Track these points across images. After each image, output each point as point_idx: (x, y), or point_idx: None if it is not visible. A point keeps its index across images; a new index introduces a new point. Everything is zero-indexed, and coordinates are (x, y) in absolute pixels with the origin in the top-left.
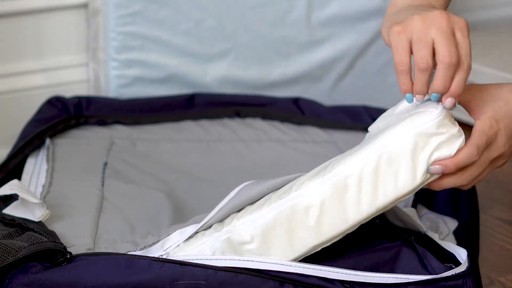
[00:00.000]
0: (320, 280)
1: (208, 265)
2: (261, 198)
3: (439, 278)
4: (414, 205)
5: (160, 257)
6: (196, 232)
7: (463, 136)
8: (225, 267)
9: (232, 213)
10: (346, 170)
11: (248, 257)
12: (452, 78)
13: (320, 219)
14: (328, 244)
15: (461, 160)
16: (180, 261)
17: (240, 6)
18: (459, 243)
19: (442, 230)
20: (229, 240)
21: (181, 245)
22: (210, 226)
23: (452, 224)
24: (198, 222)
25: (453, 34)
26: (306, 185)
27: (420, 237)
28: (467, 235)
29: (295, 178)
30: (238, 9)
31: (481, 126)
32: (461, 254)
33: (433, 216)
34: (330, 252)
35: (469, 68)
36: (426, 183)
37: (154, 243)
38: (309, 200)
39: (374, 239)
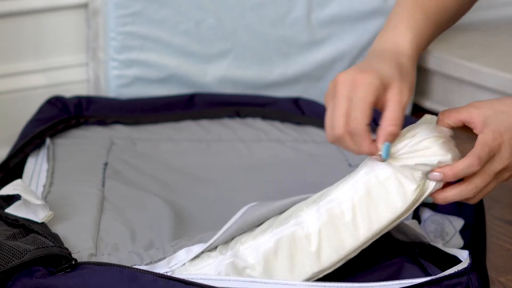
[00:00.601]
0: None
1: (212, 286)
2: (266, 220)
3: (442, 277)
4: (415, 212)
5: (165, 274)
6: (202, 252)
7: (450, 143)
8: None
9: (237, 235)
10: (339, 197)
11: (252, 278)
12: (352, 143)
13: (320, 246)
14: (330, 270)
15: (460, 169)
16: (185, 280)
17: (240, 6)
18: (465, 243)
19: (448, 231)
20: (233, 264)
21: (186, 264)
22: (215, 247)
23: (458, 223)
24: (204, 241)
25: (350, 98)
26: (305, 212)
27: (424, 247)
28: (473, 235)
29: (301, 200)
30: (238, 9)
31: (483, 138)
32: (464, 255)
33: (438, 217)
34: (331, 275)
35: (356, 131)
36: (422, 199)
37: (160, 260)
38: (307, 227)
39: (375, 258)
